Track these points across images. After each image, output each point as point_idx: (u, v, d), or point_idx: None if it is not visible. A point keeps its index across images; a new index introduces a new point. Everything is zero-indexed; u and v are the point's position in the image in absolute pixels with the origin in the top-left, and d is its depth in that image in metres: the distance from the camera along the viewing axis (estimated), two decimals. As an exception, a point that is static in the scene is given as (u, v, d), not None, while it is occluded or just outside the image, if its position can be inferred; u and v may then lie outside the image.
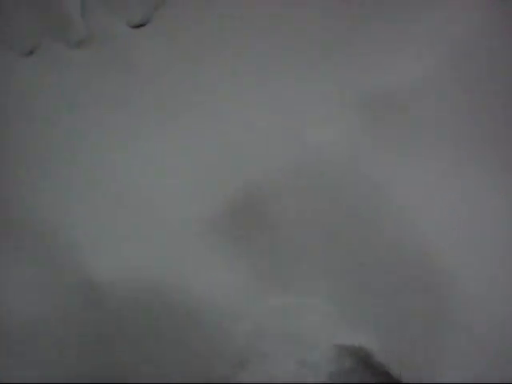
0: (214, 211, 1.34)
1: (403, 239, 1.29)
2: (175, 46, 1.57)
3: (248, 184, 1.35)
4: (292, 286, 1.30)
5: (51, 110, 1.47)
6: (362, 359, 1.19)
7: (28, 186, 1.38)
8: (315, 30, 1.50)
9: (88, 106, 1.49)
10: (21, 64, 1.47)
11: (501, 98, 1.46)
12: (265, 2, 1.59)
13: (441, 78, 1.47)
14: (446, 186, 1.37)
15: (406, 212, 1.32)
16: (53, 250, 1.29)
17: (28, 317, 1.23)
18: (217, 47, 1.57)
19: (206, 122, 1.46)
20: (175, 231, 1.32)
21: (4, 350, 1.22)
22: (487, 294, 1.17)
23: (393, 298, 1.23)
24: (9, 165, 1.42)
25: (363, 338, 1.21)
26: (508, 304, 1.19)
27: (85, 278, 1.23)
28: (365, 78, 1.45)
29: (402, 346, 1.17)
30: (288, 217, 1.34)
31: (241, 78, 1.51)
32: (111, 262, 1.25)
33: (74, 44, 1.51)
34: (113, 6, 1.53)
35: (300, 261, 1.31)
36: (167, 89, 1.52)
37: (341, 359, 1.20)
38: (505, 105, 1.46)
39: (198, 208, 1.34)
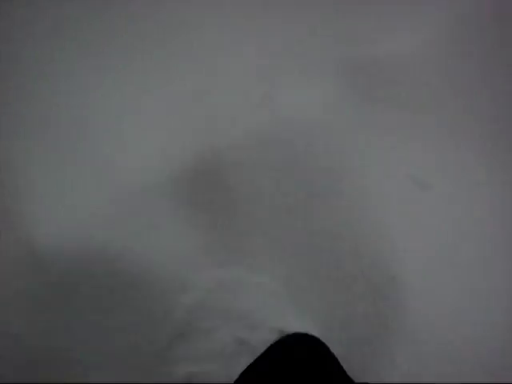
0: (172, 174, 1.26)
1: (363, 227, 1.25)
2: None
3: (212, 149, 1.27)
4: (243, 260, 1.26)
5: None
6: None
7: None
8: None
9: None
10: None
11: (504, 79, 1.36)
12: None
13: (436, 52, 1.36)
14: (426, 176, 1.30)
15: (371, 199, 1.27)
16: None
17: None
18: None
19: (180, 68, 1.34)
20: (127, 191, 1.24)
21: None
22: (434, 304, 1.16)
23: (343, 290, 1.21)
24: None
25: (306, 326, 1.20)
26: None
27: (27, 242, 1.17)
28: (351, 45, 1.33)
29: (343, 345, 1.17)
30: (248, 189, 1.27)
31: (223, 27, 1.37)
32: (56, 224, 1.18)
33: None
34: None
35: (255, 236, 1.26)
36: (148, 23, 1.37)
37: (279, 344, 1.20)
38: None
39: (156, 168, 1.26)
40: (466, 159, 1.32)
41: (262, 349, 1.17)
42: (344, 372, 0.84)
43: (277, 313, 1.22)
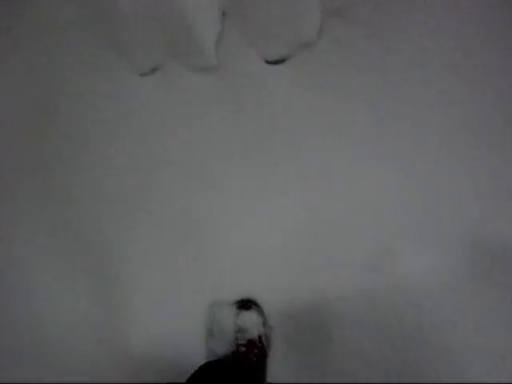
0: (278, 310, 1.33)
1: None
2: (310, 93, 1.38)
3: (322, 298, 1.32)
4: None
5: (163, 132, 1.38)
6: None
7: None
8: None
9: (201, 133, 1.38)
10: (140, 82, 1.35)
11: None
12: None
13: None
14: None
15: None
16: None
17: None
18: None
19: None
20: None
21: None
22: None
23: None
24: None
25: None
26: None
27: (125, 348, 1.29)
28: (483, 225, 1.29)
29: None
30: (348, 343, 1.30)
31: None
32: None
33: (198, 69, 1.36)
34: (253, 38, 1.34)
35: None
36: (282, 140, 1.38)
37: None
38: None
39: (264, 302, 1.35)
40: None
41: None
42: None
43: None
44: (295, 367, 1.30)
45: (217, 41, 1.33)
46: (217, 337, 1.31)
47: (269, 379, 1.30)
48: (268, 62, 1.37)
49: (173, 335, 1.32)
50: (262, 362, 1.30)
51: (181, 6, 1.26)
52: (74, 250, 1.36)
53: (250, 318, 1.30)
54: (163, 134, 1.36)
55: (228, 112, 1.38)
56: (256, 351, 1.28)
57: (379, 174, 1.33)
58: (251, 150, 1.37)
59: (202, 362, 1.04)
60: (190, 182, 1.36)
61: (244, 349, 1.27)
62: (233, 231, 1.35)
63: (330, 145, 1.35)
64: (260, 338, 1.30)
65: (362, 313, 1.29)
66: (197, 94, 1.36)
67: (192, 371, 1.00)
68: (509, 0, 1.28)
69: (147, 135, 1.36)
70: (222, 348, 1.30)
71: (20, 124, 1.36)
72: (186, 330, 1.33)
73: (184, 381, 0.97)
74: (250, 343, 1.29)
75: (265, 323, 1.33)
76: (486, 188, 1.30)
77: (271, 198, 1.35)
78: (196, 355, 1.31)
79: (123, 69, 1.33)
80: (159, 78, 1.35)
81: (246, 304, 1.33)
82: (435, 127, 1.32)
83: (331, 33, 1.35)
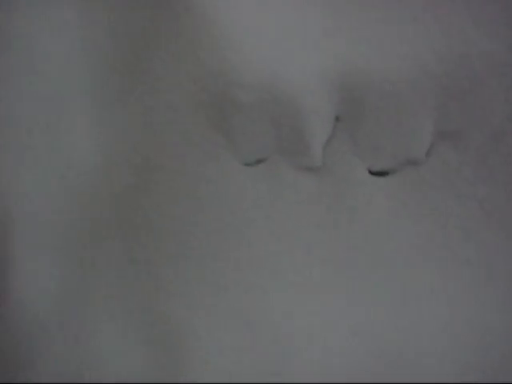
0: None
1: None
2: (405, 211, 1.35)
3: None
4: None
5: (253, 223, 1.34)
6: None
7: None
8: None
9: (290, 227, 1.35)
10: (243, 172, 1.34)
11: None
12: None
13: None
14: None
15: None
16: None
17: None
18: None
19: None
20: None
21: None
22: None
23: None
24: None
25: None
26: None
27: None
28: None
29: None
30: None
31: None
32: None
33: (301, 168, 1.35)
34: (361, 147, 1.33)
35: None
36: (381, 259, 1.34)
37: None
38: None
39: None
40: None
41: None
42: None
43: None
44: None
45: (325, 143, 1.31)
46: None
47: None
48: (371, 173, 1.35)
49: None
50: None
51: (297, 107, 1.27)
52: (142, 316, 1.34)
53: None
54: (254, 225, 1.34)
55: (322, 213, 1.35)
56: None
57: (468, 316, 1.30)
58: (338, 255, 1.34)
59: None
60: (272, 275, 1.34)
61: None
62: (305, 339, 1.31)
63: (417, 270, 1.32)
64: None
65: None
66: (295, 191, 1.34)
67: None
68: None
69: (239, 225, 1.34)
70: None
71: (112, 188, 1.36)
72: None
73: None
74: None
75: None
76: None
77: (348, 312, 1.32)
78: None
79: (228, 156, 1.32)
80: (262, 169, 1.33)
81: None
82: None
83: (440, 155, 1.33)
